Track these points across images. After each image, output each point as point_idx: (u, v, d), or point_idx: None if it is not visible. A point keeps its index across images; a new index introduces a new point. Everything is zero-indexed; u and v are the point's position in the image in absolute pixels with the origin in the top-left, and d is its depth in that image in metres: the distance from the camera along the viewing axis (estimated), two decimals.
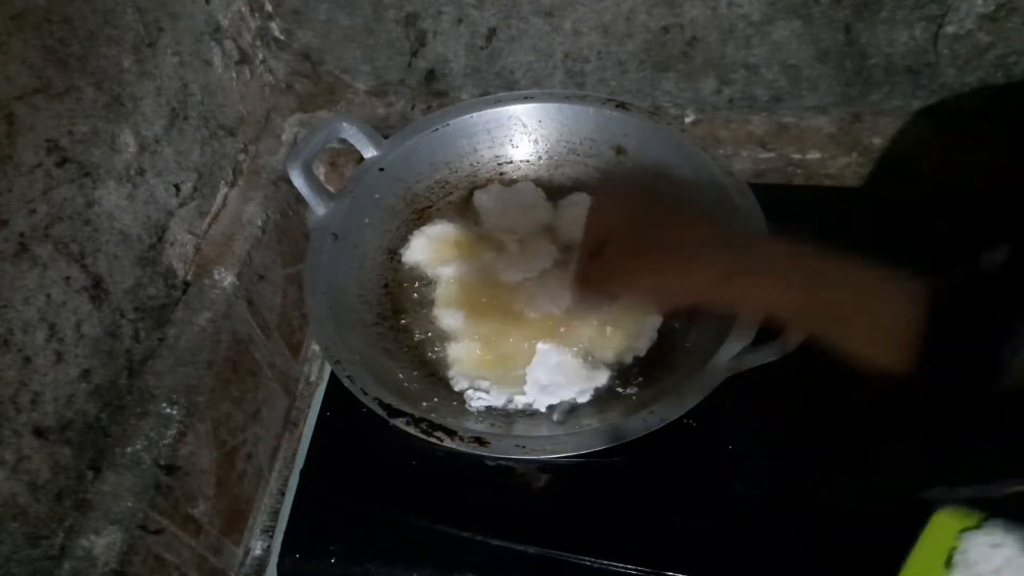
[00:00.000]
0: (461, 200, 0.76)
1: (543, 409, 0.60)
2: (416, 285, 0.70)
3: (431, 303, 0.68)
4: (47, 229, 0.48)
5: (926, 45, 0.67)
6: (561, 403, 0.60)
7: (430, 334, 0.67)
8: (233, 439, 0.65)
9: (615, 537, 0.56)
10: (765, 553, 0.55)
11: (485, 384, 0.62)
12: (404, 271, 0.71)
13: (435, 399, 0.61)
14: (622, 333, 0.64)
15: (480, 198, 0.74)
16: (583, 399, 0.60)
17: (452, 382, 0.63)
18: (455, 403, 0.61)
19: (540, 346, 0.63)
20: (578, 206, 0.72)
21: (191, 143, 0.64)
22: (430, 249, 0.71)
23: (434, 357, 0.65)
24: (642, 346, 0.63)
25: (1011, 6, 0.63)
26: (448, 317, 0.66)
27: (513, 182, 0.76)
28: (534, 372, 0.61)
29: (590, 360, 0.63)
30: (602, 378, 0.62)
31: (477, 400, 0.61)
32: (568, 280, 0.51)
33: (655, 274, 0.45)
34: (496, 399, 0.61)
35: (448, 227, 0.72)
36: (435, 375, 0.64)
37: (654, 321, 0.64)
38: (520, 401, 0.61)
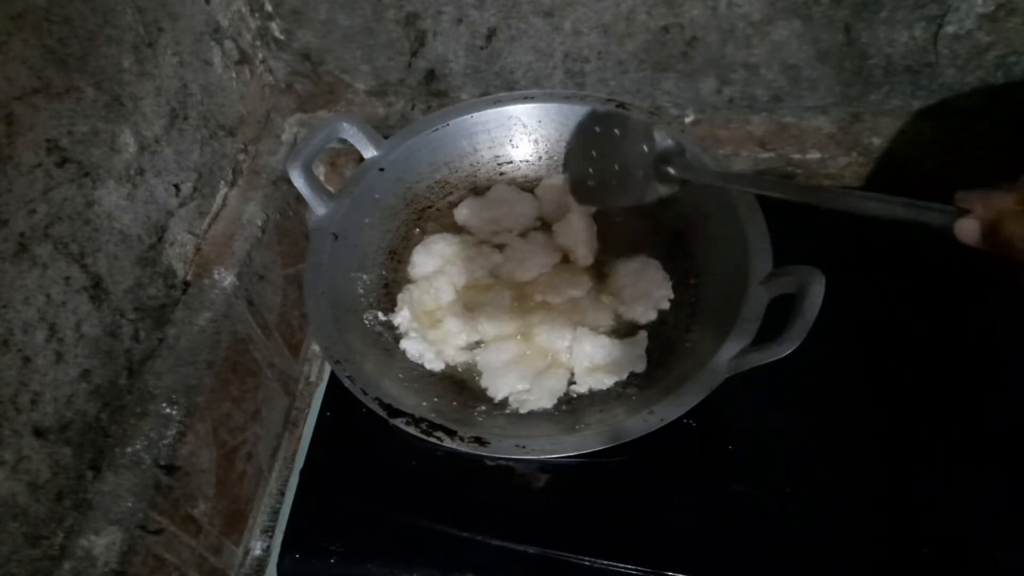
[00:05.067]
0: (460, 201, 0.76)
1: (585, 391, 0.61)
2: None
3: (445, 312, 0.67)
4: (47, 229, 0.48)
5: (926, 45, 0.67)
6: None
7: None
8: (233, 439, 0.65)
9: (615, 537, 0.56)
10: (765, 553, 0.55)
11: (526, 386, 0.61)
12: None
13: (435, 399, 0.60)
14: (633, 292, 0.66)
15: (461, 214, 0.74)
16: (640, 368, 0.62)
17: (488, 391, 0.62)
18: (455, 403, 0.61)
19: (579, 331, 0.63)
20: (556, 189, 0.72)
21: (191, 143, 0.64)
22: (434, 264, 0.69)
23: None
24: (655, 303, 0.65)
25: (1011, 6, 0.63)
26: (470, 324, 0.65)
27: (512, 182, 0.76)
28: (578, 357, 0.62)
29: (625, 328, 0.65)
30: (642, 341, 0.63)
31: (524, 404, 0.60)
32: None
33: None
34: (542, 399, 0.60)
35: (447, 238, 0.71)
36: (435, 374, 0.64)
37: (664, 282, 0.66)
38: (574, 390, 0.61)
